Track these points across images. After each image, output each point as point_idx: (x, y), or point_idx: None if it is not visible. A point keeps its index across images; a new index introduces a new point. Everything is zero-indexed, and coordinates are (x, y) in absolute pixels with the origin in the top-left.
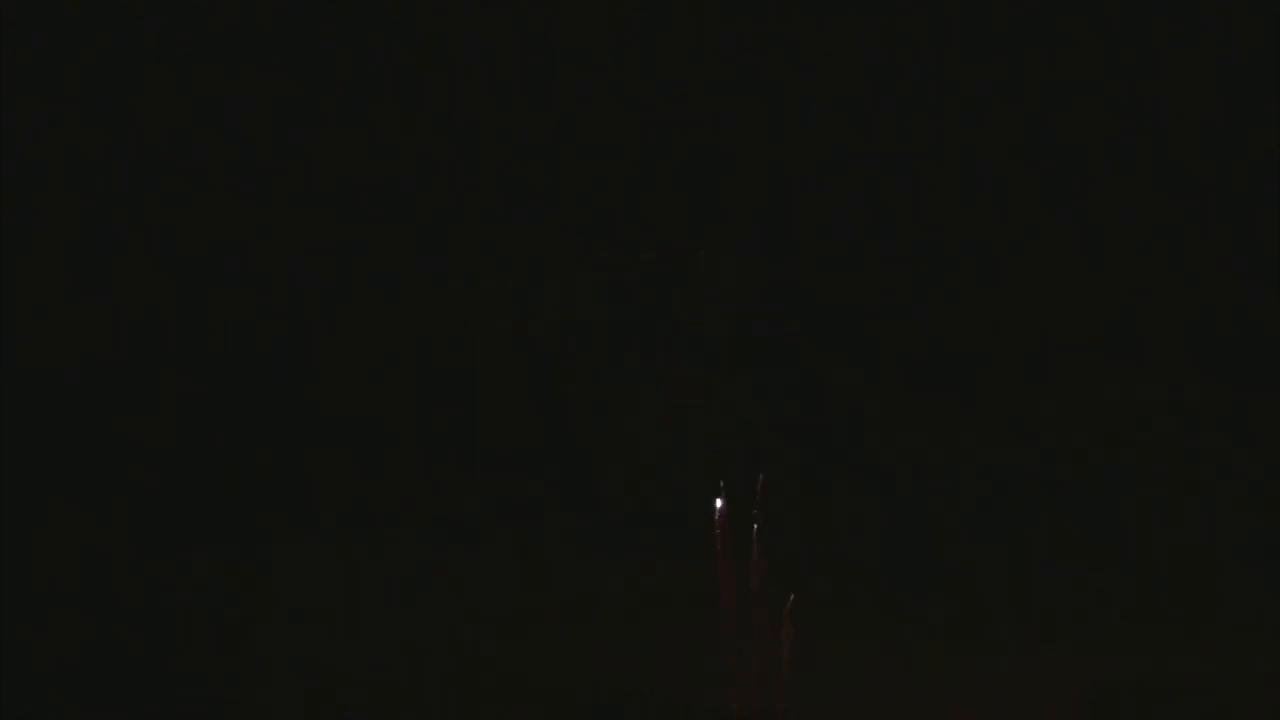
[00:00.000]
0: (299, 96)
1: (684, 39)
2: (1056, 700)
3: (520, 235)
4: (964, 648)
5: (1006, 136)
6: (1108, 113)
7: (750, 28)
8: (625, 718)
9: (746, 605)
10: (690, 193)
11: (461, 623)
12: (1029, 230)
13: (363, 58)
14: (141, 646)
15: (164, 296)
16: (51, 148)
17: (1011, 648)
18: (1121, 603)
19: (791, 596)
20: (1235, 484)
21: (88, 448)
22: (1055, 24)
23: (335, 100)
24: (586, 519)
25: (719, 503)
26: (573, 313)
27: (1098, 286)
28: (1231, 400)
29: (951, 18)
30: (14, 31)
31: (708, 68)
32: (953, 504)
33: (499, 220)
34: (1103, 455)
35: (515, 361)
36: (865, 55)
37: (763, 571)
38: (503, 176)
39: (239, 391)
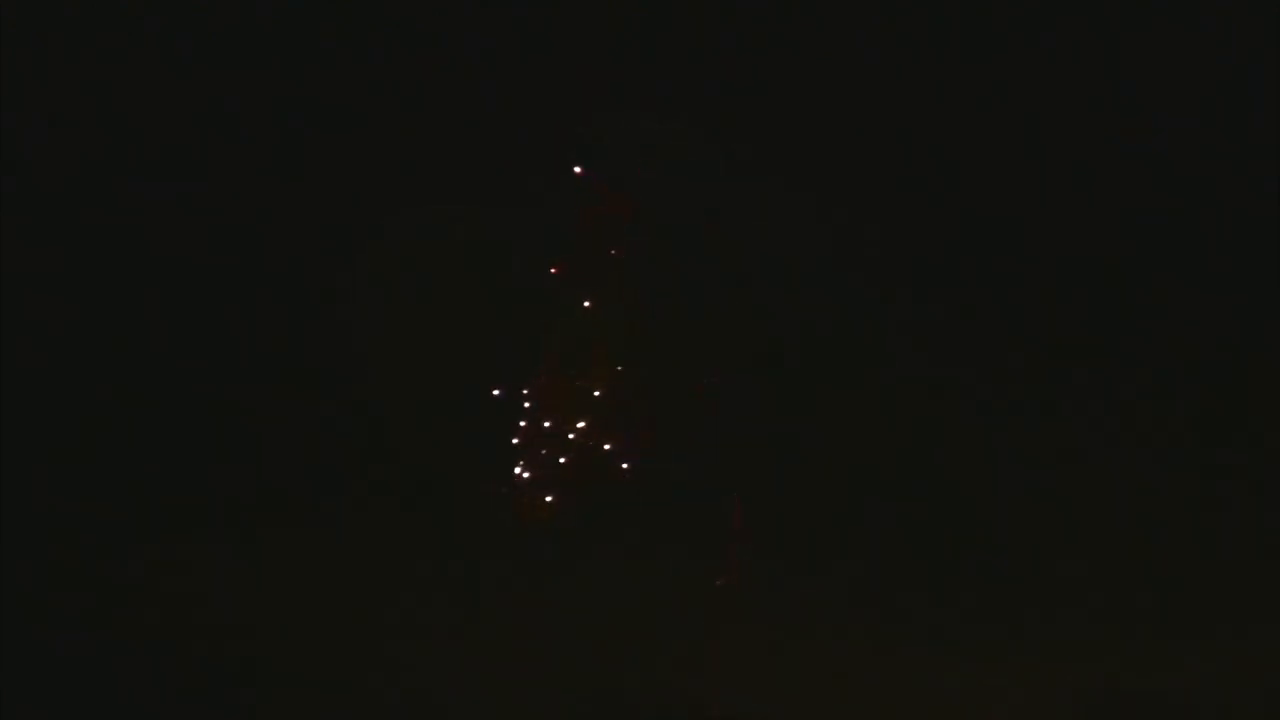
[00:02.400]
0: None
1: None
2: (1045, 708)
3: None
4: (951, 653)
5: (1005, 134)
6: (1108, 112)
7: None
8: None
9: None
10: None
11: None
12: (1027, 229)
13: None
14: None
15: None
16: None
17: (999, 654)
18: (1112, 609)
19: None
20: (1233, 487)
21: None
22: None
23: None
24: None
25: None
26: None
27: (1092, 285)
28: (1232, 403)
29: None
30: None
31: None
32: (941, 506)
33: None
34: (1098, 458)
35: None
36: (865, 55)
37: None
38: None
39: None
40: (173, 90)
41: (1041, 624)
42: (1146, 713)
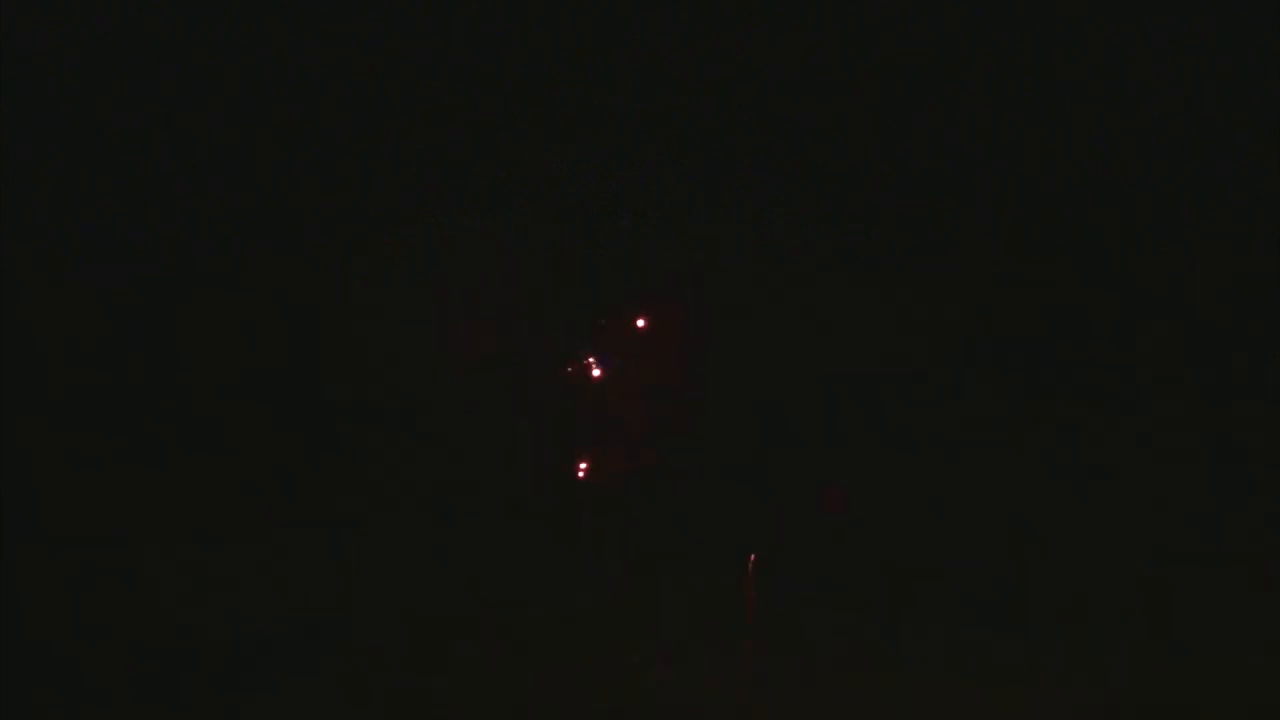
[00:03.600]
0: None
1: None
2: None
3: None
4: (945, 666)
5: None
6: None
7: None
8: None
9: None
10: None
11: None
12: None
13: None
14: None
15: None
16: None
17: (996, 667)
18: (1114, 621)
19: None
20: (1234, 498)
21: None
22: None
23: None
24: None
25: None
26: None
27: (1085, 288)
28: (1232, 410)
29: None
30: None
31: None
32: (933, 515)
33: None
34: (1092, 462)
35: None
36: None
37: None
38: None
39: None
40: (173, 90)
41: (1042, 636)
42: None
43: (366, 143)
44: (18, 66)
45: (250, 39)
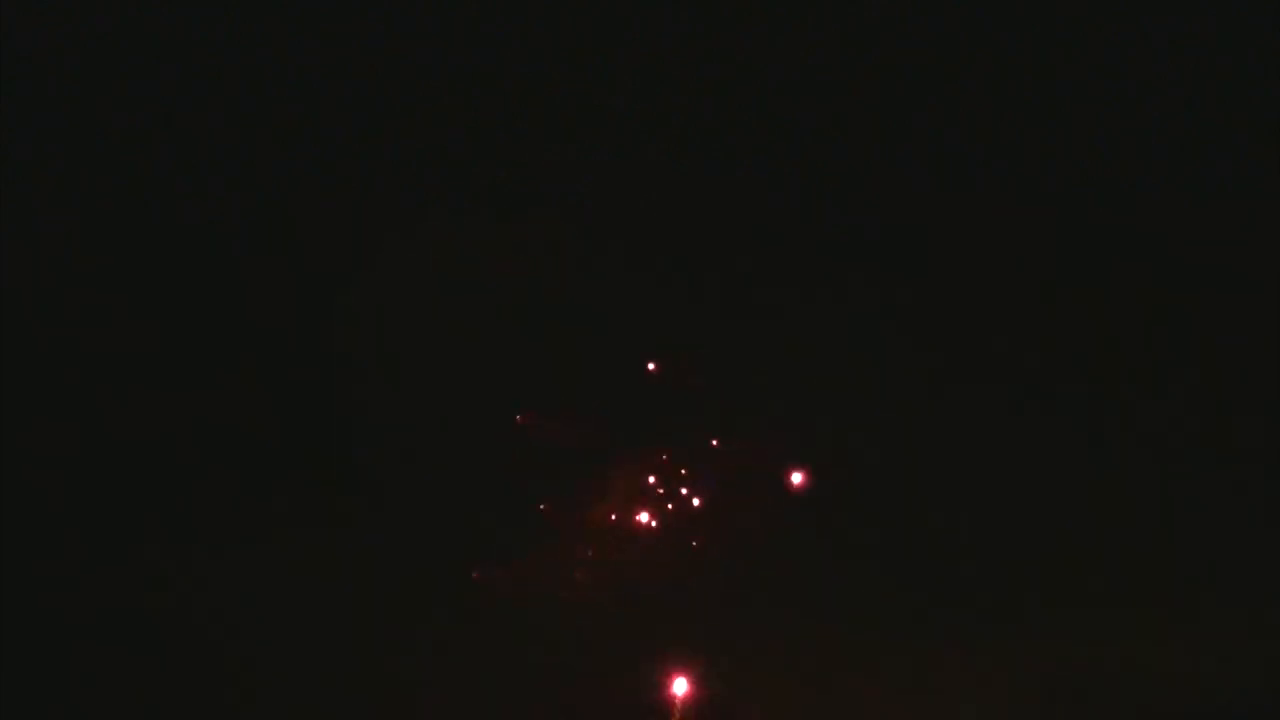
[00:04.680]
0: None
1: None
2: (1011, 690)
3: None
4: (922, 638)
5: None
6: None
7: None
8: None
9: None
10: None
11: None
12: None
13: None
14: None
15: None
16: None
17: (969, 638)
18: (1078, 593)
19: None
20: (1192, 473)
21: None
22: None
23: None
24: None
25: None
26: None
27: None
28: (1211, 392)
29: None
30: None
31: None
32: (910, 495)
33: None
34: (1075, 447)
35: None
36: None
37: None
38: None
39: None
40: (174, 90)
41: (1006, 608)
42: (1113, 691)
43: (367, 143)
44: (18, 66)
45: (250, 39)
